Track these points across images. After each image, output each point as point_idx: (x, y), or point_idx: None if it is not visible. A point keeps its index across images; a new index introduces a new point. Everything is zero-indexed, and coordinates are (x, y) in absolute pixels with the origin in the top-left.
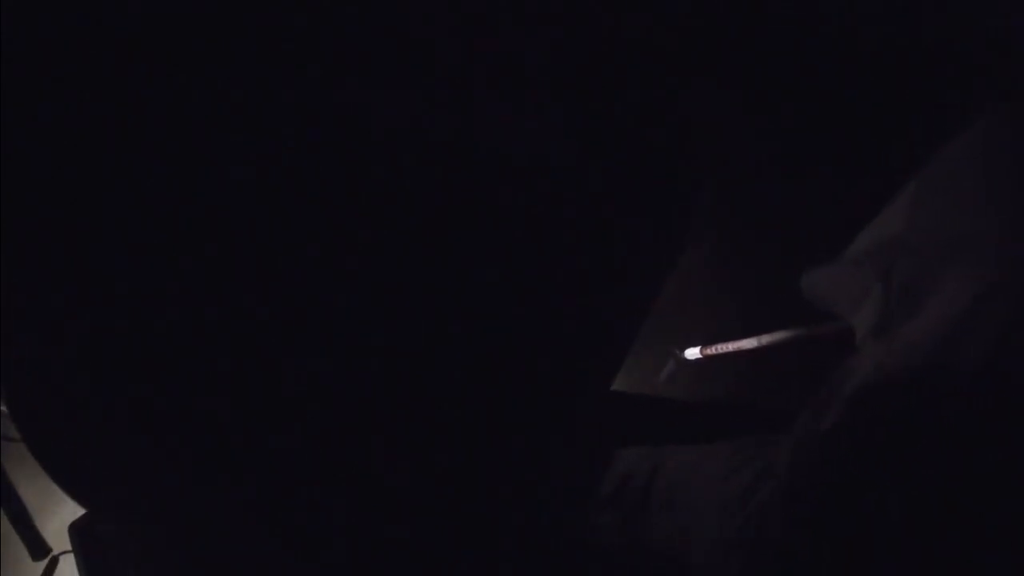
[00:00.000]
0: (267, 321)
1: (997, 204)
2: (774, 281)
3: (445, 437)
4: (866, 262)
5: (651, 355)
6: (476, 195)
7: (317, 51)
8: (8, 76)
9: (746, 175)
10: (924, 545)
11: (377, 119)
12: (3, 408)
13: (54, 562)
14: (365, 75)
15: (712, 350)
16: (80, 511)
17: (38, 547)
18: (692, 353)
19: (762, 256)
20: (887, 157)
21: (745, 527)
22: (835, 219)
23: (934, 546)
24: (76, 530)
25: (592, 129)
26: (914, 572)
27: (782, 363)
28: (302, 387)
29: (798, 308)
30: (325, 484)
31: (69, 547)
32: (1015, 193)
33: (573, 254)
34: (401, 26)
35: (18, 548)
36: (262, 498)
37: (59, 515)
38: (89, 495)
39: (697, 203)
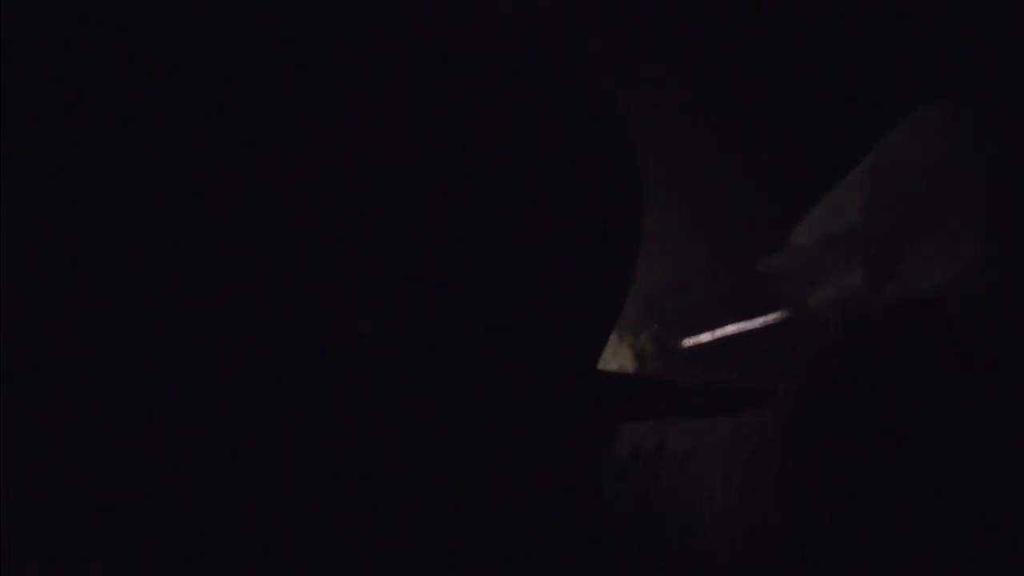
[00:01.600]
0: (267, 321)
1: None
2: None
3: (445, 437)
4: (823, 249)
5: (647, 341)
6: (476, 195)
7: (317, 51)
8: (8, 76)
9: (747, 173)
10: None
11: (377, 119)
12: None
13: None
14: (365, 75)
15: (707, 336)
16: None
17: None
18: (688, 342)
19: (762, 250)
20: None
21: (741, 502)
22: None
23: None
24: None
25: (593, 129)
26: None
27: (774, 345)
28: (302, 387)
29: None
30: (325, 484)
31: None
32: (974, 177)
33: (574, 254)
34: (401, 26)
35: None
36: (262, 498)
37: None
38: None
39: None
